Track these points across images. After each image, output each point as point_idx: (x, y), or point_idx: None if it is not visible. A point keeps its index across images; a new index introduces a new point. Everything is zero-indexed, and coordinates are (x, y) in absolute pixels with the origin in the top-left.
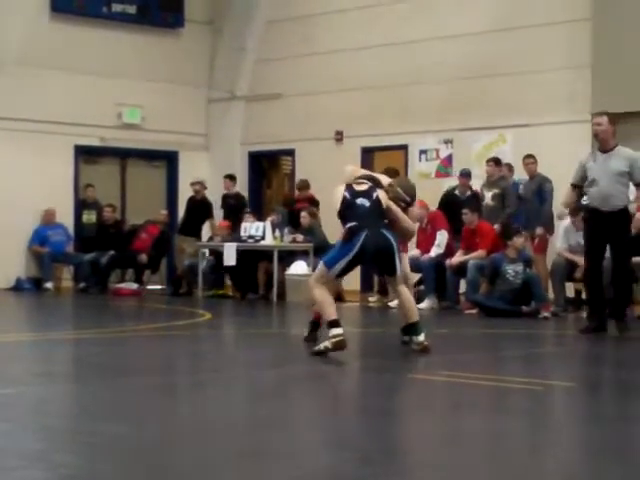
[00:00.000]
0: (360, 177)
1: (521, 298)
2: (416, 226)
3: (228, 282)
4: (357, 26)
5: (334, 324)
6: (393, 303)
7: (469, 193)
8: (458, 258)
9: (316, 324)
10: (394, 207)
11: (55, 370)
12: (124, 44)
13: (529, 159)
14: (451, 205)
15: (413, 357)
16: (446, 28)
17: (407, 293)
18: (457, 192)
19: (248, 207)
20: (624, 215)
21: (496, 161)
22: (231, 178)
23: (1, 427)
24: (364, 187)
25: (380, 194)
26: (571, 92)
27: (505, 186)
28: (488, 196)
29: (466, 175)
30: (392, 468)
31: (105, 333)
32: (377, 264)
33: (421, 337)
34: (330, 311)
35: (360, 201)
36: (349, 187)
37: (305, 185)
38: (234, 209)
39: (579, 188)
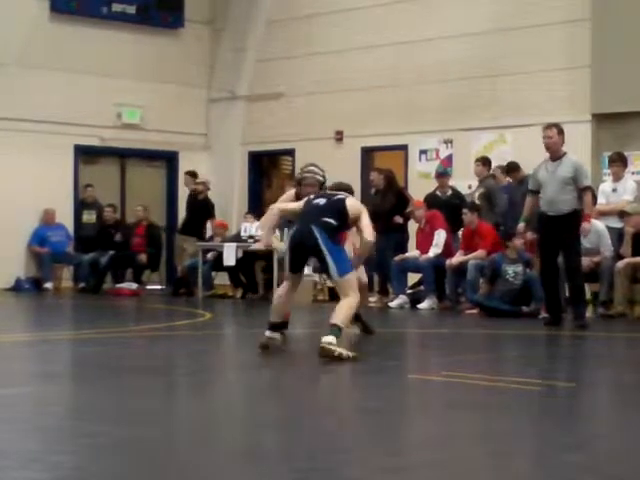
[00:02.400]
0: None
1: (521, 299)
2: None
3: (228, 282)
4: (357, 26)
5: (269, 326)
6: (393, 303)
7: (450, 192)
8: (458, 258)
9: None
10: (365, 215)
11: (54, 370)
12: (124, 44)
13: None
14: (434, 206)
15: (412, 357)
16: (446, 28)
17: (348, 301)
18: (438, 193)
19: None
20: (571, 219)
21: (484, 161)
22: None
23: None
24: (335, 194)
25: (348, 201)
26: (571, 92)
27: (490, 185)
28: (475, 196)
29: (442, 175)
30: (390, 468)
31: (104, 333)
32: (318, 260)
33: (326, 338)
34: (273, 314)
35: (317, 200)
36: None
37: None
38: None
39: (537, 194)
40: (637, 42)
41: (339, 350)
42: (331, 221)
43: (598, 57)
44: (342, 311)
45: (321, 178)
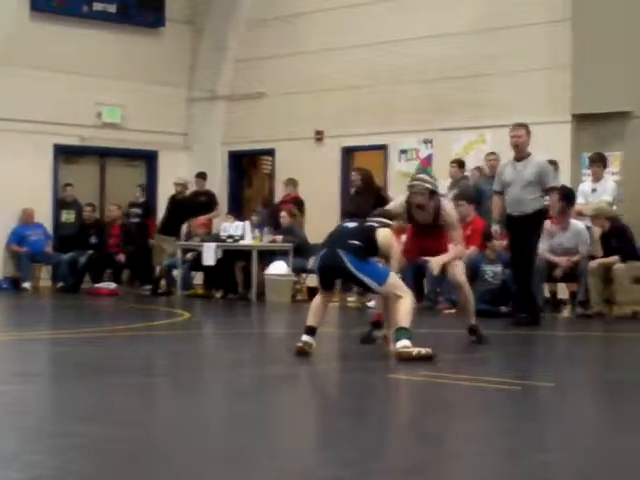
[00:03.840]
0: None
1: (499, 299)
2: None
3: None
4: (338, 26)
5: (305, 330)
6: (371, 303)
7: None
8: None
9: (377, 325)
10: (394, 248)
11: (32, 370)
12: (104, 43)
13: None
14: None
15: (392, 357)
16: (427, 28)
17: (402, 302)
18: None
19: (218, 204)
20: (532, 219)
21: (459, 163)
22: (202, 176)
23: None
24: (369, 221)
25: (380, 232)
26: (551, 93)
27: (465, 186)
28: (449, 196)
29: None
30: (371, 469)
31: (83, 333)
32: (352, 282)
33: (400, 343)
34: (309, 318)
35: (347, 224)
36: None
37: (292, 183)
38: (205, 207)
39: (502, 194)
40: (617, 43)
41: (416, 350)
42: (357, 243)
43: (578, 57)
44: (401, 312)
45: (429, 185)
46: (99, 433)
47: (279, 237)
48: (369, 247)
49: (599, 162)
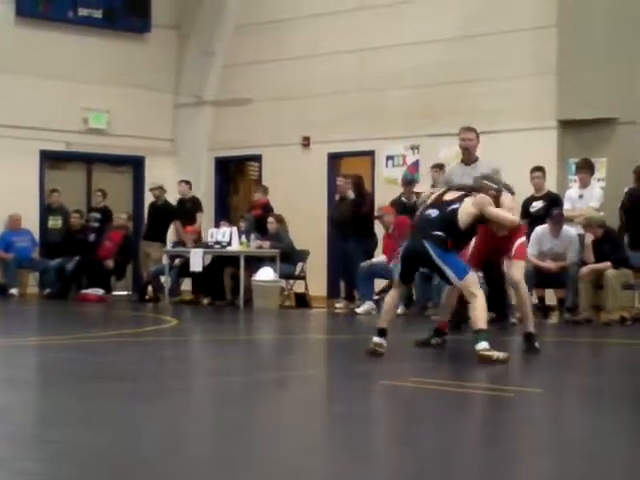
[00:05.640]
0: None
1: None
2: (513, 215)
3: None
4: (325, 32)
5: (378, 331)
6: (360, 309)
7: (415, 199)
8: None
9: (438, 332)
10: (489, 210)
11: (19, 376)
12: (90, 48)
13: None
14: (400, 212)
15: (380, 363)
16: (413, 35)
17: (478, 302)
18: (403, 199)
19: (203, 211)
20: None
21: (440, 167)
22: (187, 183)
23: None
24: (450, 197)
25: (465, 204)
26: (537, 99)
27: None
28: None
29: (409, 182)
30: (358, 474)
31: (71, 339)
32: (434, 271)
33: (480, 345)
34: (381, 319)
35: (429, 211)
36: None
37: (262, 190)
38: (190, 213)
39: None
40: (603, 49)
41: (496, 354)
42: (441, 234)
43: (564, 64)
44: (477, 314)
45: (493, 192)
46: (86, 440)
47: (266, 243)
48: (453, 235)
49: (586, 168)
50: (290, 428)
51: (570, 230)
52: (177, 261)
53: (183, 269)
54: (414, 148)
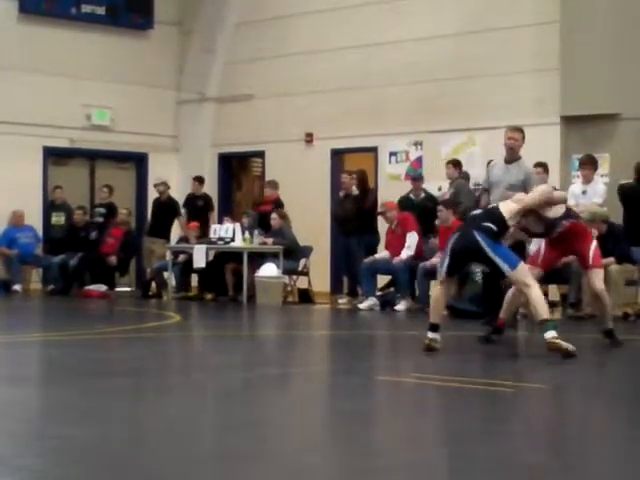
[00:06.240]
0: None
1: (484, 303)
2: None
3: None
4: (327, 28)
5: (430, 327)
6: (362, 305)
7: (423, 195)
8: (438, 259)
9: (499, 330)
10: (528, 200)
11: (22, 373)
12: (93, 45)
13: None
14: (407, 209)
15: (382, 359)
16: (417, 30)
17: (532, 293)
18: (412, 196)
19: (214, 209)
20: None
21: (455, 163)
22: (199, 180)
23: None
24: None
25: (502, 205)
26: (540, 95)
27: (460, 184)
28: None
29: (417, 178)
30: (360, 469)
31: (74, 335)
32: (483, 264)
33: (548, 334)
34: (432, 315)
35: (474, 212)
36: None
37: (272, 185)
38: (201, 210)
39: (488, 192)
40: (605, 44)
41: (565, 345)
42: (491, 226)
43: (567, 60)
44: (536, 304)
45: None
46: (89, 436)
47: (269, 239)
48: (502, 228)
49: (589, 164)
50: (292, 424)
51: None
52: (181, 257)
53: (187, 265)
54: (417, 144)
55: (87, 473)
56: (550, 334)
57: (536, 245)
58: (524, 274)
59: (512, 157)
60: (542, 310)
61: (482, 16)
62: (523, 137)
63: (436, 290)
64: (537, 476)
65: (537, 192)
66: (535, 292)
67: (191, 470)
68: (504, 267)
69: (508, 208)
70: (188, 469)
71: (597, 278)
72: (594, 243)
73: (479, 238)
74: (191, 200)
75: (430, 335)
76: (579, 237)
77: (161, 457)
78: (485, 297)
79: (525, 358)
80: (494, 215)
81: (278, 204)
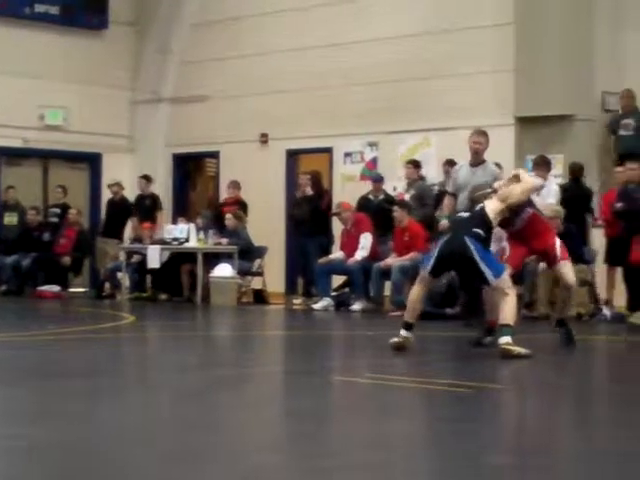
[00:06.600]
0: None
1: (446, 301)
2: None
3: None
4: (282, 29)
5: (405, 325)
6: (317, 305)
7: (382, 196)
8: (393, 260)
9: (490, 331)
10: (511, 192)
11: None
12: (47, 45)
13: (447, 165)
14: (365, 210)
15: (338, 359)
16: (372, 31)
17: (510, 300)
18: (370, 196)
19: (162, 207)
20: None
21: (415, 163)
22: (147, 179)
23: None
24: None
25: (488, 204)
26: (495, 96)
27: (422, 187)
28: (406, 197)
29: (379, 180)
30: (316, 469)
31: (27, 336)
32: (463, 270)
33: (503, 339)
34: (407, 313)
35: (462, 214)
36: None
37: (235, 185)
38: (150, 210)
39: (455, 197)
40: (559, 46)
41: (517, 350)
42: (480, 232)
43: (522, 61)
44: (507, 310)
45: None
46: (44, 436)
47: (224, 240)
48: (488, 234)
49: (543, 165)
50: (248, 424)
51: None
52: (134, 258)
53: (141, 266)
54: (372, 145)
55: (39, 473)
56: (504, 339)
57: (495, 245)
58: (506, 282)
59: (477, 160)
60: (509, 317)
61: (440, 17)
62: (487, 140)
63: (414, 289)
64: (500, 476)
65: (527, 186)
66: (512, 301)
67: (145, 470)
68: (489, 276)
69: (493, 207)
70: (142, 469)
71: (569, 270)
72: (558, 239)
73: (470, 244)
74: (140, 200)
75: (403, 333)
76: (542, 233)
77: (114, 457)
78: (466, 301)
79: (484, 358)
80: (482, 219)
81: (242, 204)
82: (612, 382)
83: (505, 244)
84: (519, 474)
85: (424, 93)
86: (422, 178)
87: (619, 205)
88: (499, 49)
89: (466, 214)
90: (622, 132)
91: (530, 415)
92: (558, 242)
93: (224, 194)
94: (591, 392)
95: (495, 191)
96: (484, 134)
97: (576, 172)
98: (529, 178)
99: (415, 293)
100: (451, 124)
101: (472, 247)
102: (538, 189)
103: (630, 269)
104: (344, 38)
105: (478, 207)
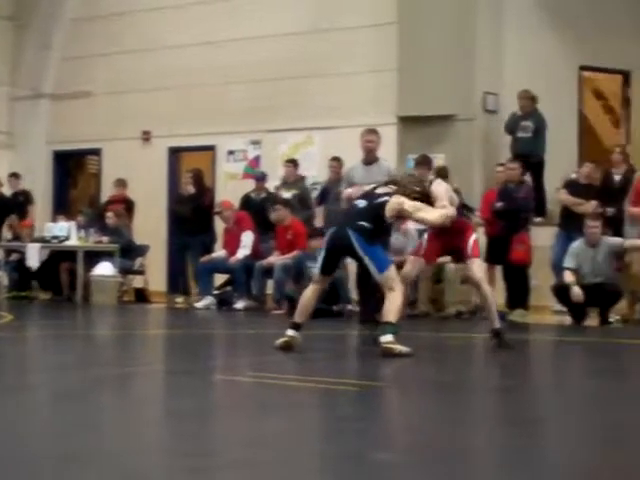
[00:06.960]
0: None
1: (330, 298)
2: (446, 208)
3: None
4: (165, 25)
5: (292, 325)
6: (199, 304)
7: (264, 195)
8: (275, 258)
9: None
10: (407, 206)
11: None
12: None
13: (335, 162)
14: (248, 208)
15: (219, 358)
16: (255, 29)
17: (393, 296)
18: (252, 195)
19: (33, 202)
20: None
21: (294, 162)
22: (15, 176)
23: None
24: (382, 190)
25: (392, 199)
26: (378, 95)
27: (304, 187)
28: (287, 196)
29: (261, 178)
30: (194, 468)
31: None
32: (356, 261)
33: (385, 338)
34: (298, 313)
35: (357, 202)
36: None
37: (121, 184)
38: (23, 206)
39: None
40: (441, 46)
41: (399, 348)
42: (365, 224)
43: (404, 61)
44: (391, 307)
45: (418, 190)
46: None
47: (105, 238)
48: (379, 226)
49: (424, 164)
50: (128, 424)
51: (408, 224)
52: (13, 256)
53: (21, 264)
54: (255, 143)
55: None
56: (387, 338)
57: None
58: (392, 278)
59: (371, 158)
60: (392, 315)
61: (321, 16)
62: (379, 138)
63: (308, 289)
64: (386, 473)
65: (442, 217)
66: (397, 297)
67: (24, 472)
68: (373, 270)
69: (396, 207)
70: (21, 471)
71: (477, 267)
72: (474, 236)
73: (352, 237)
74: (13, 197)
75: (290, 333)
76: (464, 230)
77: (2, 458)
78: (360, 297)
79: (368, 357)
80: (376, 212)
81: (128, 203)
82: (491, 378)
83: (424, 238)
84: (405, 471)
85: (305, 92)
86: (302, 178)
87: (499, 204)
88: (381, 48)
89: (363, 203)
90: (520, 134)
91: (412, 412)
92: (472, 239)
93: (107, 192)
94: (472, 389)
95: (421, 192)
96: (375, 132)
97: (440, 174)
98: (450, 210)
99: (308, 294)
100: (333, 123)
101: (355, 241)
102: (435, 223)
103: (510, 268)
104: (225, 35)
105: (380, 200)
